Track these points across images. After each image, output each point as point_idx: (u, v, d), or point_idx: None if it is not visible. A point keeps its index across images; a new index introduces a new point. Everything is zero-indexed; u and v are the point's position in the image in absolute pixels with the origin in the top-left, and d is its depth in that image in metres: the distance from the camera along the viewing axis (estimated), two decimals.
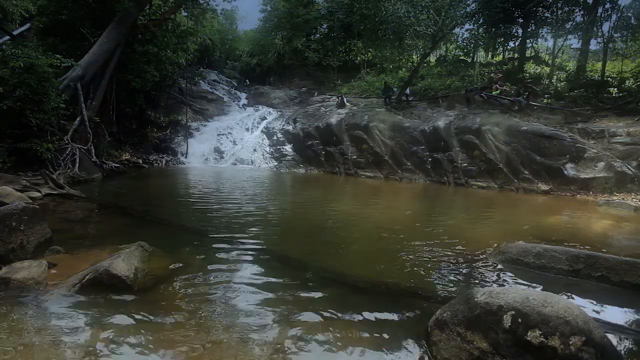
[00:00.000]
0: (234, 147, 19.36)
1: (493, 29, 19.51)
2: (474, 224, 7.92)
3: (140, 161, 16.63)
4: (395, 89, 19.87)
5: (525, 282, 4.64)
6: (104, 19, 15.14)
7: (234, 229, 6.66)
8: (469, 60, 24.08)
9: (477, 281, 4.67)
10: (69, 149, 11.53)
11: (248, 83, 30.24)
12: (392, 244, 6.12)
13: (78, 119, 12.68)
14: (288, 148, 18.56)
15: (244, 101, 26.68)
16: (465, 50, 25.23)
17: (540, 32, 20.05)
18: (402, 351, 3.05)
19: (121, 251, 4.40)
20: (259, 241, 5.91)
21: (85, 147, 12.36)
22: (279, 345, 3.01)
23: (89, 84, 13.91)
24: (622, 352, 3.16)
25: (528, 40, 20.70)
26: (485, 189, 13.05)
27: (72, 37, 15.08)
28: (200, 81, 25.27)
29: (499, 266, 5.14)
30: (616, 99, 14.76)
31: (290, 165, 17.63)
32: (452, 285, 4.54)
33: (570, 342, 2.43)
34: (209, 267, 4.68)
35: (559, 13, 18.40)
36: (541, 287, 4.44)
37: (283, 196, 11.65)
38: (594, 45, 19.72)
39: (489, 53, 26.28)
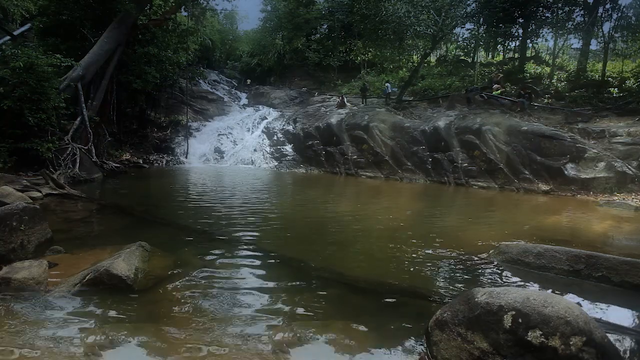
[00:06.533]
0: (234, 147, 19.36)
1: (493, 29, 19.51)
2: (475, 224, 7.91)
3: (141, 161, 16.65)
4: (395, 89, 19.88)
5: (525, 282, 4.64)
6: (104, 19, 15.15)
7: (234, 228, 6.66)
8: (469, 60, 24.07)
9: (477, 281, 4.67)
10: (70, 149, 11.54)
11: (249, 82, 30.22)
12: (392, 244, 6.12)
13: (78, 119, 12.69)
14: (288, 148, 18.56)
15: (244, 101, 26.70)
16: (466, 50, 25.24)
17: (540, 32, 20.07)
18: (402, 351, 3.05)
19: (121, 251, 4.40)
20: (259, 241, 5.91)
21: (85, 147, 12.37)
22: (279, 345, 3.01)
23: (90, 84, 13.92)
24: (623, 352, 3.16)
25: (528, 40, 20.70)
26: (486, 189, 13.04)
27: (73, 37, 15.08)
28: (201, 81, 25.27)
29: (500, 266, 5.14)
30: (617, 99, 14.76)
31: (290, 165, 17.63)
32: (452, 285, 4.54)
33: (571, 343, 2.43)
34: (209, 267, 4.68)
35: (560, 13, 18.40)
36: (542, 288, 4.44)
37: (283, 196, 11.65)
38: (594, 45, 19.74)
39: (490, 53, 26.28)
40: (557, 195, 11.72)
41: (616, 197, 10.64)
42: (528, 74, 18.66)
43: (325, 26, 28.12)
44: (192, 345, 2.97)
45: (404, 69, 23.43)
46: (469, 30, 22.13)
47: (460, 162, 14.02)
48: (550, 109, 15.02)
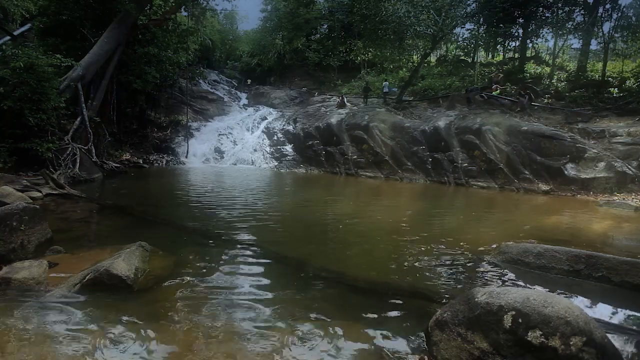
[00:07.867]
0: (234, 147, 19.36)
1: (493, 29, 19.53)
2: (475, 224, 7.91)
3: (141, 161, 16.64)
4: (394, 88, 19.88)
5: (525, 283, 4.63)
6: (104, 19, 15.15)
7: (234, 228, 6.66)
8: (470, 60, 24.07)
9: (477, 281, 4.66)
10: (70, 149, 11.54)
11: (250, 82, 30.21)
12: (392, 244, 6.12)
13: (78, 119, 12.69)
14: (288, 148, 18.56)
15: (244, 101, 26.69)
16: (466, 50, 25.24)
17: (540, 32, 20.09)
18: (402, 351, 3.05)
19: (121, 251, 4.40)
20: (259, 241, 5.91)
21: (85, 147, 12.37)
22: (279, 345, 3.01)
23: (90, 84, 13.92)
24: (623, 352, 3.16)
25: (528, 40, 20.70)
26: (486, 189, 13.04)
27: (73, 37, 15.08)
28: (201, 81, 25.27)
29: (500, 266, 5.14)
30: (617, 99, 14.76)
31: (290, 165, 17.63)
32: (452, 285, 4.54)
33: (571, 343, 2.43)
34: (209, 267, 4.69)
35: (560, 13, 18.41)
36: (542, 288, 4.43)
37: (283, 196, 11.65)
38: (594, 45, 19.76)
39: (490, 53, 26.29)
40: (557, 195, 11.73)
41: (616, 197, 10.64)
42: (528, 74, 18.65)
43: (325, 26, 28.12)
44: (191, 345, 2.97)
45: (404, 69, 23.43)
46: (469, 30, 22.19)
47: (460, 162, 14.02)
48: (550, 109, 15.02)
